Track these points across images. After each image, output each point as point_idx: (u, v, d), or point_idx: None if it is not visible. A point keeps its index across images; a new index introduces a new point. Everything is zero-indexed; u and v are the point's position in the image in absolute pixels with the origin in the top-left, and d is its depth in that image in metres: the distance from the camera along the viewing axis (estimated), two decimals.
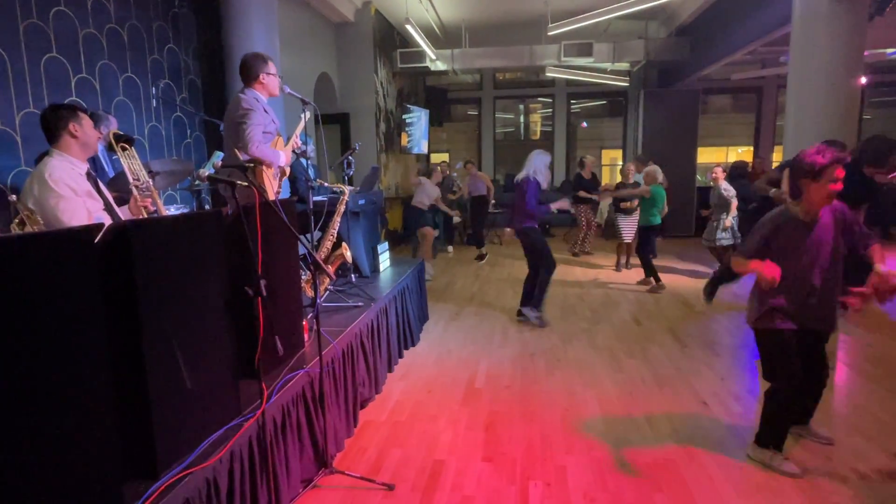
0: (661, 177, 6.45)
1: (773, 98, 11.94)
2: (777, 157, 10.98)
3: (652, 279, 6.33)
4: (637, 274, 6.85)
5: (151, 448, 1.58)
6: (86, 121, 2.49)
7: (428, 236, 7.21)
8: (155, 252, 1.62)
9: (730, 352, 4.24)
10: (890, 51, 8.74)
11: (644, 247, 6.41)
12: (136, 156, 2.74)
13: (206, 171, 2.05)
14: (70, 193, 2.33)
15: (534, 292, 5.11)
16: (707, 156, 12.95)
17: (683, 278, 6.95)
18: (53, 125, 2.40)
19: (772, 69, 10.23)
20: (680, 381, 3.69)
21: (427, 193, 7.58)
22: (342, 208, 3.67)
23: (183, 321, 1.72)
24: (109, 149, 3.16)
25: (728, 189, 6.22)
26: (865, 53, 6.53)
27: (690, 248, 9.01)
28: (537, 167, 4.84)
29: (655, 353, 4.26)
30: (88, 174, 2.51)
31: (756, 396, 3.43)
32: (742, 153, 13.43)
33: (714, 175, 6.49)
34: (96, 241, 1.39)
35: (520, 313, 5.18)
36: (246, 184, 1.94)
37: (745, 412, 3.23)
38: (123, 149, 2.67)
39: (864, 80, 5.51)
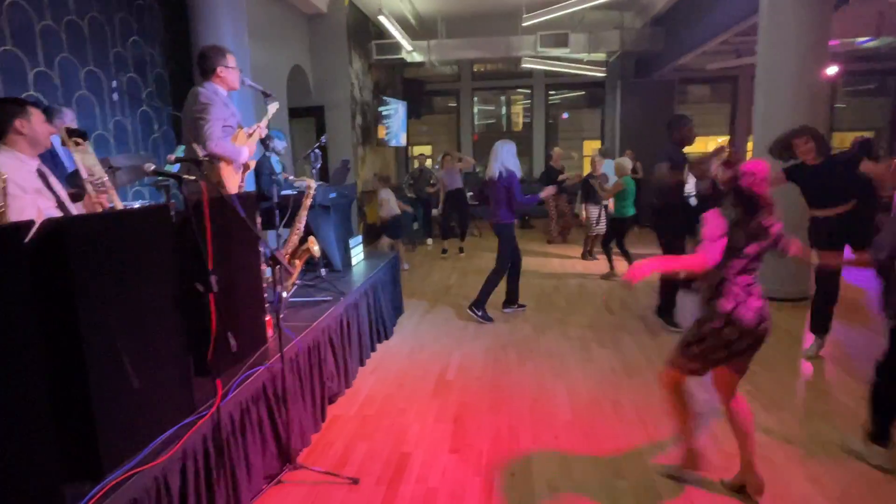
0: (630, 167, 6.52)
1: (749, 87, 12.00)
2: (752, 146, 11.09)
3: (610, 268, 6.48)
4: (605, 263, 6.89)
5: (95, 448, 1.55)
6: (35, 116, 2.42)
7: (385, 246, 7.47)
8: (95, 249, 1.58)
9: None
10: (860, 39, 8.85)
11: (619, 238, 6.45)
12: (91, 151, 2.67)
13: (153, 165, 2.01)
14: (18, 191, 2.26)
15: (516, 289, 5.14)
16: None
17: None
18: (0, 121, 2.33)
19: (746, 58, 10.29)
20: (649, 370, 3.73)
21: (391, 203, 7.63)
22: (308, 202, 3.63)
23: (128, 319, 1.69)
24: (65, 143, 3.09)
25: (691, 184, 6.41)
26: (836, 42, 6.60)
27: None
28: (507, 158, 4.75)
29: (626, 342, 4.30)
30: (39, 171, 2.44)
31: None
32: (721, 142, 13.56)
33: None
34: (27, 239, 1.36)
35: (506, 304, 5.17)
36: (193, 178, 1.90)
37: (711, 399, 3.27)
38: (77, 143, 2.61)
39: (836, 69, 5.56)
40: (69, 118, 3.28)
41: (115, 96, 4.56)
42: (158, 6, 5.21)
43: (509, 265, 5.00)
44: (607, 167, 8.16)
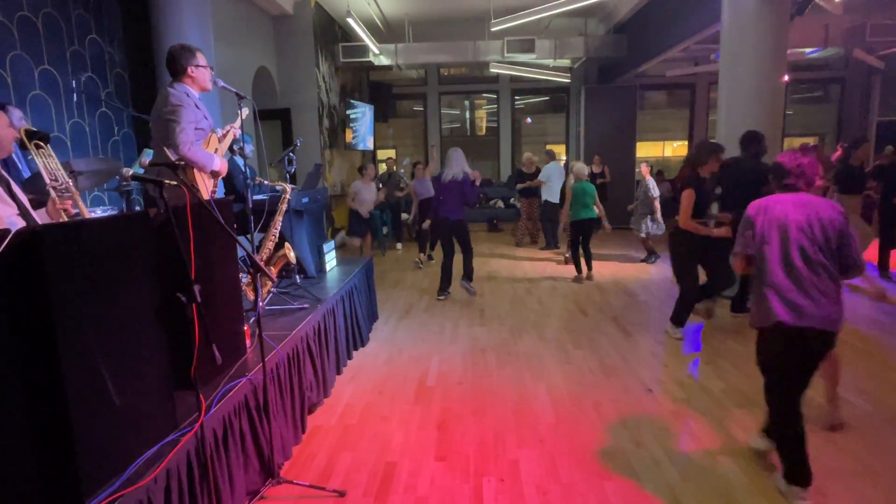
0: (586, 172, 6.69)
1: (706, 94, 12.48)
2: None
3: (577, 271, 6.63)
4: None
5: (74, 472, 1.45)
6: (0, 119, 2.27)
7: (354, 246, 7.58)
8: (72, 259, 1.48)
9: (671, 339, 4.38)
10: (808, 50, 9.30)
11: (584, 241, 6.56)
12: (53, 154, 2.52)
13: (131, 170, 1.90)
14: None
15: (450, 277, 5.82)
16: (646, 150, 13.39)
17: (626, 269, 7.16)
18: None
19: (704, 66, 10.68)
20: (626, 370, 3.78)
21: (364, 199, 7.80)
22: (284, 207, 3.54)
23: (108, 333, 1.59)
24: (22, 146, 2.91)
25: (654, 189, 7.03)
26: (787, 52, 6.91)
27: (631, 240, 9.29)
28: (465, 163, 5.57)
29: (602, 342, 4.36)
30: (0, 176, 2.29)
31: (697, 382, 3.56)
32: (677, 147, 13.98)
33: (640, 171, 7.09)
34: (0, 249, 1.26)
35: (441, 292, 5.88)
36: (175, 183, 1.81)
37: (688, 397, 3.35)
38: (38, 147, 2.46)
39: (786, 77, 5.84)
40: (16, 117, 3.08)
41: (76, 97, 4.34)
42: (118, 3, 5.00)
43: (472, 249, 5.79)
44: (549, 171, 8.50)
